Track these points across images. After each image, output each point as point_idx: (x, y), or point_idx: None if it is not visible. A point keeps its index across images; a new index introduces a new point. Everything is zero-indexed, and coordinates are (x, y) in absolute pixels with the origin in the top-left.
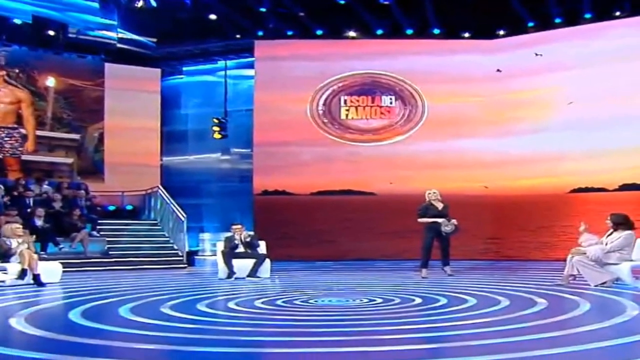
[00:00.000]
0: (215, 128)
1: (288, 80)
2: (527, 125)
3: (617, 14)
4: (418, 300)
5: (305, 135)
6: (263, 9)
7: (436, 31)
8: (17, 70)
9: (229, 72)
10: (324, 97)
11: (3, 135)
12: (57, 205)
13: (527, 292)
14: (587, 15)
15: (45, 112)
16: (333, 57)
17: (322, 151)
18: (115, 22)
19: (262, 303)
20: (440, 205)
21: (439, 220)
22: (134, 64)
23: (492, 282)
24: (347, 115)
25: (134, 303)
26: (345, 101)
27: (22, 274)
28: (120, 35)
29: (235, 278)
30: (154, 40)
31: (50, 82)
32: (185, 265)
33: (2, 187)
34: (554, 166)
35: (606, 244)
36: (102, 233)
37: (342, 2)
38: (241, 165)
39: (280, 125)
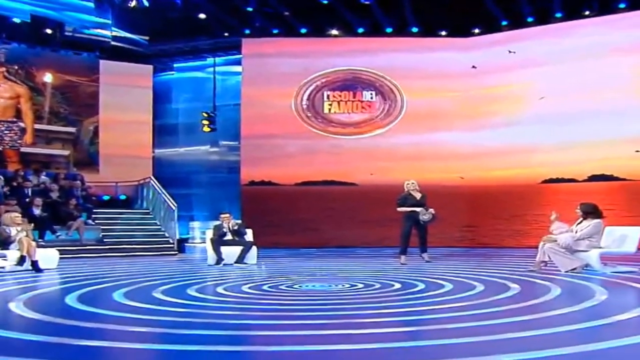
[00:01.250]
0: (205, 122)
1: (274, 76)
2: (500, 119)
3: (586, 13)
4: (397, 286)
5: (290, 128)
6: (250, 9)
7: (414, 29)
8: (16, 67)
9: (217, 69)
10: (307, 92)
11: (3, 128)
12: (54, 195)
13: (500, 277)
14: (558, 15)
15: (43, 106)
16: (316, 54)
17: (306, 144)
18: (109, 21)
19: (249, 288)
20: (418, 195)
21: (417, 209)
22: (127, 61)
23: (468, 268)
24: (329, 109)
25: (127, 288)
26: (328, 96)
27: (21, 260)
28: (114, 34)
29: (224, 264)
30: (146, 38)
31: (48, 78)
32: (176, 252)
33: (2, 177)
34: (527, 158)
35: (576, 232)
36: (97, 222)
37: (325, 1)
38: (229, 157)
39: (266, 119)
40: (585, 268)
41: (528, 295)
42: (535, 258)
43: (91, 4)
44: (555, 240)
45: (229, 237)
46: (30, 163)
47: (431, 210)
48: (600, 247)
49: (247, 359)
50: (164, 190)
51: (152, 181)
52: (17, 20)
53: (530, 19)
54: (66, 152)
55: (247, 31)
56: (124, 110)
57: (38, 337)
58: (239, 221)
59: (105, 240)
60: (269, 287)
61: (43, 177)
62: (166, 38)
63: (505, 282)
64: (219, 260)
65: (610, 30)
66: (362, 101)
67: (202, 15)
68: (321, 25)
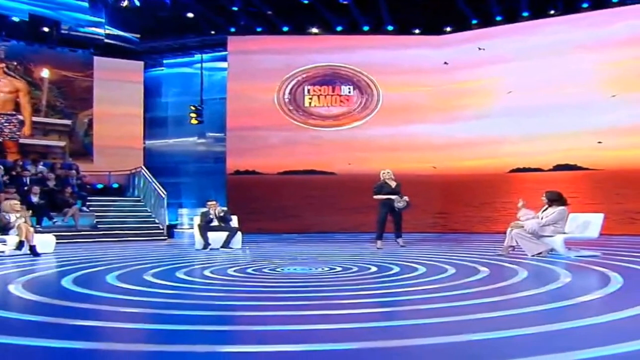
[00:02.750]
0: (192, 114)
1: (257, 72)
2: (471, 112)
3: (552, 12)
4: (374, 269)
5: (273, 121)
6: (235, 8)
7: (390, 28)
8: (15, 63)
9: (204, 65)
10: (289, 86)
11: (2, 121)
12: (51, 183)
13: (471, 261)
14: (525, 14)
15: (40, 100)
16: (297, 51)
17: (287, 135)
18: (102, 20)
19: (234, 271)
20: (393, 184)
21: (393, 197)
22: (120, 57)
23: (440, 253)
24: (310, 103)
25: (119, 271)
26: (308, 90)
27: (20, 245)
28: (107, 32)
29: (210, 249)
30: (138, 36)
31: (45, 73)
32: (166, 238)
33: (1, 167)
34: (495, 149)
35: (542, 218)
36: (91, 208)
37: (306, 1)
38: (215, 148)
39: (251, 112)
40: (550, 252)
41: (497, 278)
42: (503, 243)
43: (85, 4)
44: (522, 226)
45: (215, 223)
46: (29, 153)
47: (405, 198)
48: (564, 233)
49: (233, 338)
50: (154, 179)
51: (143, 170)
52: (16, 19)
53: (498, 18)
54: (62, 143)
55: (233, 29)
56: (117, 103)
57: (36, 317)
58: (225, 208)
59: (99, 226)
60: (253, 270)
61: (40, 167)
62: (156, 36)
63: (475, 265)
64: (206, 245)
65: (574, 28)
66: (340, 95)
67: (190, 14)
68: (302, 24)
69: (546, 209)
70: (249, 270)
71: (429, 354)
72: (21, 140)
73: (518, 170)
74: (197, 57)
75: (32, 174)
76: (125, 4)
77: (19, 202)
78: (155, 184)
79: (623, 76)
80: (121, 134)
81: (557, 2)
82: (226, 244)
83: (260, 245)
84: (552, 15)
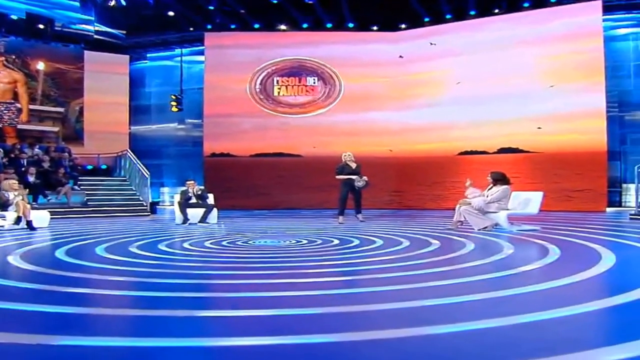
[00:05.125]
0: (173, 103)
1: (231, 65)
2: (423, 101)
3: (496, 11)
4: (336, 242)
5: (245, 108)
6: (211, 7)
7: (350, 25)
8: (13, 57)
9: (184, 58)
10: (260, 78)
11: (2, 109)
12: (46, 165)
13: (423, 235)
14: (472, 12)
15: (36, 90)
16: (267, 46)
17: (258, 121)
18: (92, 18)
19: (211, 244)
20: (354, 165)
21: (353, 177)
22: (108, 52)
23: (396, 227)
24: (279, 92)
25: (107, 244)
26: (277, 81)
27: (18, 220)
28: (96, 28)
29: (189, 224)
30: (124, 32)
31: (40, 66)
32: (149, 214)
33: (1, 150)
34: (445, 133)
35: (487, 196)
36: (82, 187)
37: (275, 1)
38: (194, 133)
39: (225, 101)
40: (495, 227)
41: (446, 250)
42: (452, 218)
43: (77, 3)
44: (470, 203)
45: (193, 200)
46: (26, 138)
47: (365, 177)
48: (507, 209)
49: (209, 304)
50: (138, 161)
51: (128, 153)
52: (14, 17)
53: (448, 16)
54: (56, 129)
55: (209, 26)
56: (105, 93)
57: (32, 285)
58: (202, 187)
59: (89, 203)
60: (228, 243)
61: (36, 150)
62: (140, 32)
63: (427, 238)
64: (185, 220)
65: (516, 25)
66: (306, 85)
67: (171, 13)
68: (271, 21)
69: (491, 187)
70: (224, 243)
71: (386, 318)
72: (19, 126)
73: (466, 153)
74: (177, 51)
75: (29, 156)
76: (112, 3)
77: (17, 182)
78: (140, 165)
79: (560, 68)
80: (109, 120)
81: (501, 2)
82: (203, 219)
83: (234, 221)
84: (497, 14)
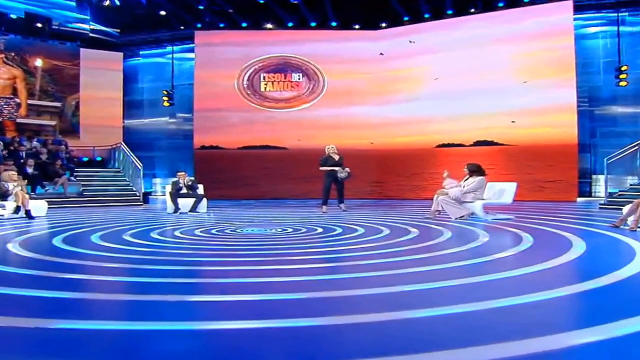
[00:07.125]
0: (165, 98)
1: (220, 62)
2: (403, 96)
3: (472, 10)
4: (320, 230)
5: (234, 103)
6: (201, 7)
7: (334, 24)
8: (13, 54)
9: (175, 55)
10: (247, 74)
11: (2, 103)
12: (44, 157)
13: (403, 223)
14: (449, 12)
15: (35, 85)
16: (255, 44)
17: (246, 115)
18: (88, 17)
19: (201, 232)
20: (337, 157)
21: (336, 168)
22: (102, 49)
23: (376, 216)
24: (265, 88)
25: (102, 232)
26: (264, 77)
27: (17, 209)
28: (91, 27)
29: (180, 213)
30: (118, 30)
31: (38, 62)
32: (142, 203)
33: (1, 143)
34: (424, 127)
35: (464, 187)
36: (78, 178)
37: (262, 1)
38: (184, 126)
39: (214, 96)
40: (471, 216)
41: (425, 238)
42: (430, 208)
43: (73, 3)
44: (447, 194)
45: (184, 191)
46: (24, 131)
47: (347, 169)
48: (483, 199)
49: (199, 289)
50: (132, 153)
51: (122, 146)
52: (13, 16)
53: (427, 15)
54: (53, 123)
55: (199, 25)
56: (100, 88)
57: (30, 271)
58: (193, 178)
59: (84, 193)
60: (217, 231)
61: (34, 143)
62: (134, 30)
63: (406, 227)
64: (176, 209)
65: (492, 24)
66: (291, 81)
67: (162, 12)
68: (258, 20)
69: (467, 178)
70: (213, 231)
71: (367, 303)
72: (18, 120)
73: (443, 145)
74: (169, 48)
75: (27, 148)
76: (107, 3)
77: (16, 173)
78: (133, 157)
79: (533, 65)
80: (104, 115)
81: (477, 1)
82: (193, 208)
83: (222, 210)
84: (473, 13)
